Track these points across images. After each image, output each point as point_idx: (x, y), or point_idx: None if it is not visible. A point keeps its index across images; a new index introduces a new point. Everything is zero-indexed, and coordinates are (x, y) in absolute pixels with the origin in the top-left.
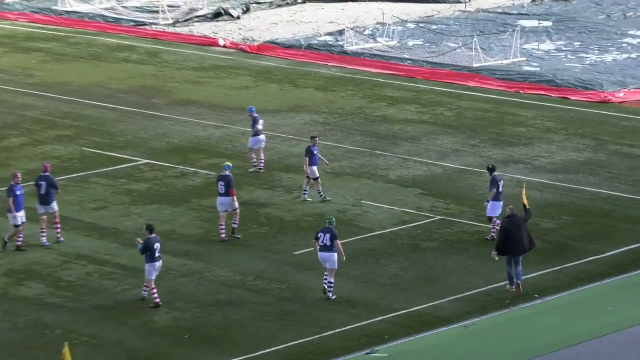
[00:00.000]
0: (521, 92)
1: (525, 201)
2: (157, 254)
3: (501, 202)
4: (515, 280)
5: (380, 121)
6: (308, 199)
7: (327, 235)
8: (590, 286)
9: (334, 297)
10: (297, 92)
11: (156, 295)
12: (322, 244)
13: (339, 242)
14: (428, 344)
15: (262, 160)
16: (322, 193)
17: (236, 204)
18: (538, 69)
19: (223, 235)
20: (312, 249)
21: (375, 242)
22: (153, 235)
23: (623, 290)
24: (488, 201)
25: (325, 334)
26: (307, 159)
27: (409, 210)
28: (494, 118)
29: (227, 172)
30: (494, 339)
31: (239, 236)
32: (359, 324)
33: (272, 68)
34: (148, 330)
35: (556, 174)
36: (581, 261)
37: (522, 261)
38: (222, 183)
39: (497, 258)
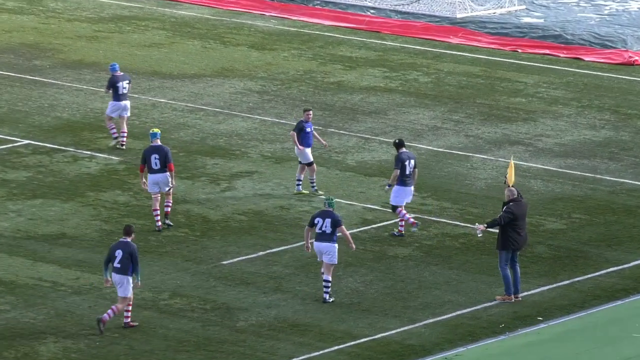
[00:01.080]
0: (520, 51)
1: (511, 179)
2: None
3: (410, 188)
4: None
5: (335, 90)
6: (304, 191)
7: (328, 221)
8: (609, 306)
9: (331, 299)
10: (226, 52)
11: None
12: (319, 231)
13: (344, 228)
14: None
15: (125, 133)
16: (315, 183)
17: (173, 182)
18: (542, 20)
19: (159, 224)
20: (302, 242)
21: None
22: (124, 239)
23: None
24: (390, 185)
25: None
26: (297, 138)
27: (372, 207)
28: (484, 85)
29: (159, 141)
30: None
31: (172, 224)
32: (308, 356)
33: (193, 19)
34: None
35: (566, 158)
36: (598, 273)
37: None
38: (157, 156)
39: (480, 234)
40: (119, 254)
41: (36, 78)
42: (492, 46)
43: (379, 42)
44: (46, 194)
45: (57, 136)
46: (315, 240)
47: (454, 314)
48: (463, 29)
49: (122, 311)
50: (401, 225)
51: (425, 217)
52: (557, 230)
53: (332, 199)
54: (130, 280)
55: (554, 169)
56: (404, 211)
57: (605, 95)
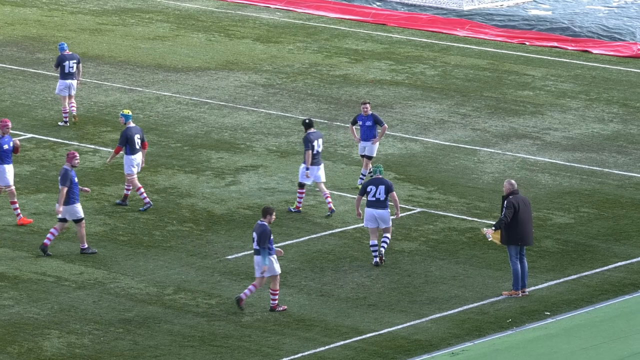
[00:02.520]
0: (527, 43)
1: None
2: None
3: (319, 167)
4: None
5: (341, 83)
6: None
7: (382, 188)
8: (617, 300)
9: (381, 261)
10: (231, 45)
11: None
12: (373, 198)
13: (395, 194)
14: None
15: (74, 107)
16: (362, 178)
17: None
18: (550, 13)
19: (148, 199)
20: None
21: (335, 243)
22: (260, 221)
23: None
24: (307, 168)
25: None
26: (354, 130)
27: None
28: (491, 79)
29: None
30: None
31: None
32: (313, 351)
33: (197, 12)
34: (34, 359)
35: (573, 152)
36: (606, 268)
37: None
38: (139, 136)
39: (490, 237)
40: (254, 236)
41: (39, 71)
42: (500, 39)
43: (385, 34)
44: (50, 188)
45: (60, 130)
46: (369, 207)
47: (460, 308)
48: (470, 21)
49: (277, 290)
50: (299, 201)
51: (432, 211)
52: (564, 225)
53: (380, 166)
54: (272, 259)
55: (562, 162)
56: (304, 193)
57: (614, 88)
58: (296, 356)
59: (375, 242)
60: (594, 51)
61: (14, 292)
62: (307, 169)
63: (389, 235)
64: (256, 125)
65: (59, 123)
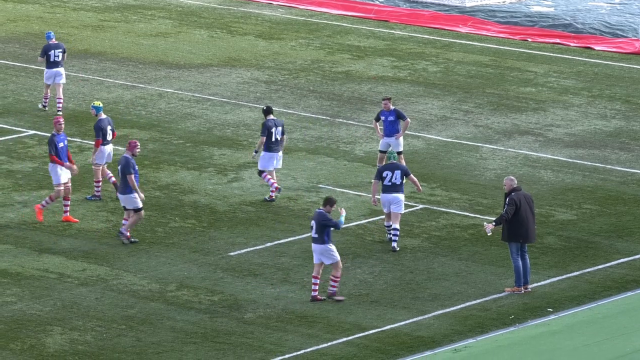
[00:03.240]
0: (529, 40)
1: None
2: None
3: (277, 154)
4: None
5: (343, 79)
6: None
7: (398, 173)
8: (620, 297)
9: (398, 248)
10: (233, 41)
11: None
12: (389, 183)
13: (412, 175)
14: None
15: (61, 99)
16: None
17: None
18: (552, 9)
19: (99, 194)
20: (369, 194)
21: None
22: (319, 210)
23: None
24: (256, 152)
25: None
26: (377, 126)
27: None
28: (494, 75)
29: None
30: None
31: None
32: (316, 348)
33: (199, 8)
34: (36, 356)
35: (576, 148)
36: (609, 264)
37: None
38: (111, 127)
39: (490, 232)
40: (313, 224)
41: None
42: (502, 35)
43: (387, 31)
44: (52, 185)
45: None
46: (384, 192)
47: (463, 305)
48: (472, 17)
49: (339, 276)
50: (272, 191)
51: (434, 207)
52: (567, 221)
53: (394, 152)
54: (329, 247)
55: (564, 159)
56: (269, 176)
57: (616, 85)
58: (299, 352)
59: (391, 223)
60: (597, 48)
61: (17, 289)
62: (256, 152)
63: (397, 226)
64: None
65: (39, 105)
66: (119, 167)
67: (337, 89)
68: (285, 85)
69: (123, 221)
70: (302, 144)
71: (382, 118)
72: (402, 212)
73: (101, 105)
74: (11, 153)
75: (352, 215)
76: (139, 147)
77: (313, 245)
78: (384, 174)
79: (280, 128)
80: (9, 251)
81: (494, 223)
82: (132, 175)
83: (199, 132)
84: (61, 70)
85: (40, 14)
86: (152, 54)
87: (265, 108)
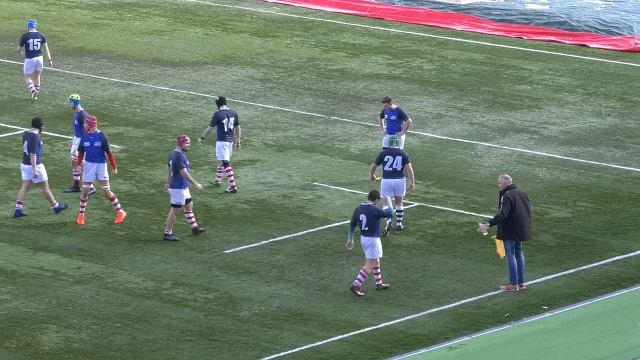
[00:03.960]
0: (524, 38)
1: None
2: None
3: (230, 143)
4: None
5: (338, 77)
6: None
7: (399, 159)
8: (615, 295)
9: (403, 226)
10: (228, 39)
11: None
12: (390, 169)
13: (410, 166)
14: None
15: (37, 86)
16: None
17: None
18: (547, 7)
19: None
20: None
21: (333, 237)
22: (366, 203)
23: None
24: (202, 139)
25: (267, 358)
26: (382, 123)
27: None
28: (489, 73)
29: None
30: None
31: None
32: (311, 345)
33: (194, 6)
34: (32, 354)
35: (571, 146)
36: (604, 262)
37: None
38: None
39: (485, 233)
40: (363, 217)
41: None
42: (497, 33)
43: (383, 29)
44: (48, 181)
45: (58, 124)
46: (386, 178)
47: (458, 302)
48: (467, 15)
49: (371, 273)
50: (232, 181)
51: (429, 205)
52: (562, 219)
53: (397, 138)
54: (377, 242)
55: (559, 156)
56: (221, 166)
57: (611, 83)
58: (294, 350)
59: (399, 208)
60: (592, 45)
61: (12, 287)
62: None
63: (401, 207)
64: (253, 119)
65: (35, 98)
66: (169, 162)
67: (332, 86)
68: (280, 83)
69: (186, 215)
70: (297, 142)
71: (386, 116)
72: (404, 194)
73: (79, 98)
74: (6, 151)
75: (347, 213)
76: (188, 141)
77: (363, 238)
78: (386, 159)
79: (232, 119)
80: (4, 249)
81: (489, 223)
82: (185, 169)
83: (194, 129)
84: (40, 59)
85: (35, 11)
86: (147, 52)
87: (217, 99)
